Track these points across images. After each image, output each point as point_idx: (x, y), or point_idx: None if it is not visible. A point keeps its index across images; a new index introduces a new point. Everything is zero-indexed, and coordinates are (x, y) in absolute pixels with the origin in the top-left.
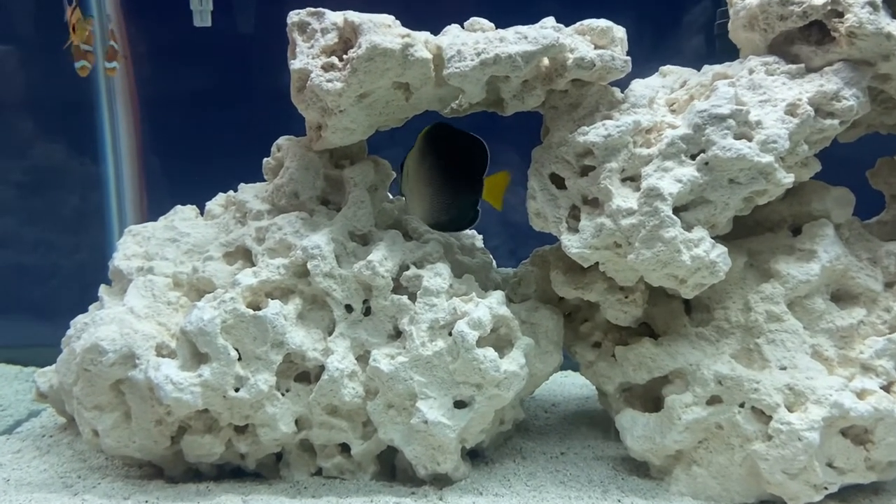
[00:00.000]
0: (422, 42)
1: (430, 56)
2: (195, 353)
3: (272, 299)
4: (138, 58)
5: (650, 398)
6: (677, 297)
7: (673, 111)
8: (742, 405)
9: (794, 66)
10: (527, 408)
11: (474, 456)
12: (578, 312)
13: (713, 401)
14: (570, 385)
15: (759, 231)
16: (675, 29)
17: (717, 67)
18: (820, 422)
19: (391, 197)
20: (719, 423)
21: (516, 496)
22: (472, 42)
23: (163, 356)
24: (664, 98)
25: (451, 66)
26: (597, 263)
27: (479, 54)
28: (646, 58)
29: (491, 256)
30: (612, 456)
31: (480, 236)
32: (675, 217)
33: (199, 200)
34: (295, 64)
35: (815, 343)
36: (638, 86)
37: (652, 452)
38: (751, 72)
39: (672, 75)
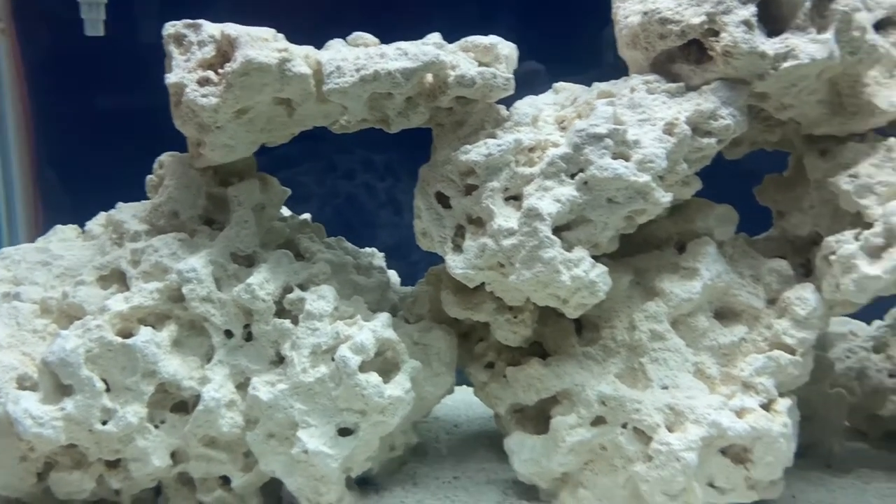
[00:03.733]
0: (301, 57)
1: (309, 71)
2: (58, 384)
3: (146, 326)
4: (30, 67)
5: (542, 419)
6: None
7: (563, 129)
8: (625, 426)
9: (674, 85)
10: (428, 430)
11: (365, 484)
12: (475, 332)
13: (597, 422)
14: (478, 404)
15: (648, 249)
16: (592, 45)
17: (603, 85)
18: (698, 441)
19: (285, 215)
20: (603, 445)
21: None
22: (352, 58)
23: (25, 388)
24: (553, 116)
25: (330, 81)
26: (485, 283)
27: (358, 70)
28: (563, 72)
29: (389, 275)
30: (504, 479)
31: (382, 254)
32: (554, 237)
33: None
34: (170, 78)
35: (698, 361)
36: (522, 104)
37: (538, 476)
38: (632, 90)
39: (564, 92)
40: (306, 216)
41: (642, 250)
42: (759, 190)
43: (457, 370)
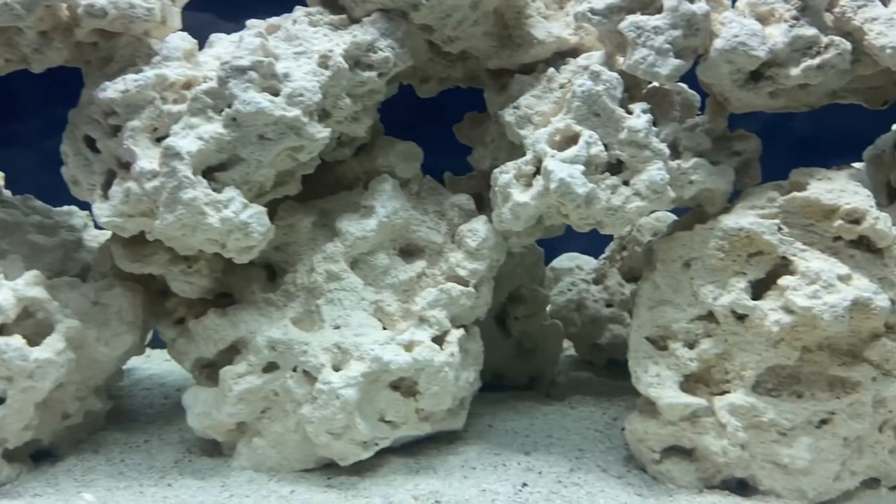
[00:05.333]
0: None
1: None
2: None
3: None
4: None
5: None
6: (258, 264)
7: None
8: (295, 369)
9: (336, 17)
10: (146, 395)
11: (45, 455)
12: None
13: (270, 368)
14: None
15: (339, 190)
16: None
17: (275, 19)
18: (358, 378)
19: None
20: (276, 391)
21: (57, 494)
22: None
23: None
24: (231, 51)
25: None
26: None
27: None
28: None
29: (84, 234)
30: (197, 439)
31: (84, 212)
32: (195, 177)
33: None
34: None
35: (378, 299)
36: (174, 37)
37: (212, 428)
38: (294, 22)
39: (254, 29)
40: None
41: (334, 192)
42: (457, 128)
43: None
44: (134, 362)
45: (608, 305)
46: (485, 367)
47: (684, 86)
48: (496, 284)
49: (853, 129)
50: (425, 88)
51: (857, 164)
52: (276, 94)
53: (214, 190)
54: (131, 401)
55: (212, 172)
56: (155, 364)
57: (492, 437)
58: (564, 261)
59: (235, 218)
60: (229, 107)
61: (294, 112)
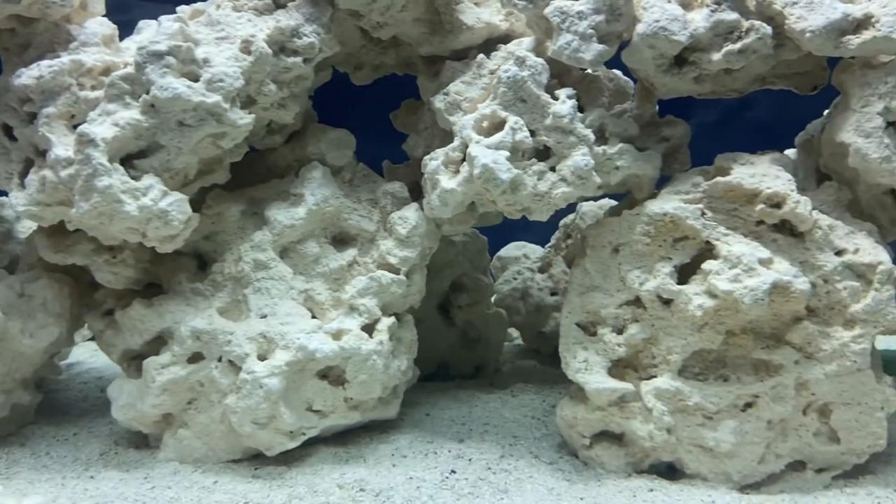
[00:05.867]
0: None
1: None
2: None
3: None
4: None
5: None
6: (188, 254)
7: None
8: (220, 359)
9: (261, 3)
10: (82, 388)
11: None
12: None
13: (195, 358)
14: None
15: (270, 178)
16: None
17: (200, 4)
18: (283, 367)
19: None
20: (201, 381)
21: None
22: None
23: None
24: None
25: None
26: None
27: None
28: None
29: (16, 226)
30: (127, 430)
31: None
32: (110, 165)
33: None
34: None
35: (308, 288)
36: (92, 23)
37: (137, 420)
38: (218, 7)
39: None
40: None
41: (265, 180)
42: (394, 115)
43: None
44: (79, 356)
45: (553, 294)
46: (430, 357)
47: (618, 72)
48: (438, 273)
49: (812, 116)
50: (359, 75)
51: (789, 151)
52: (195, 79)
53: (133, 178)
54: (67, 394)
55: (131, 160)
56: (101, 359)
57: (427, 425)
58: (511, 250)
59: (154, 206)
60: (147, 93)
61: (214, 98)
